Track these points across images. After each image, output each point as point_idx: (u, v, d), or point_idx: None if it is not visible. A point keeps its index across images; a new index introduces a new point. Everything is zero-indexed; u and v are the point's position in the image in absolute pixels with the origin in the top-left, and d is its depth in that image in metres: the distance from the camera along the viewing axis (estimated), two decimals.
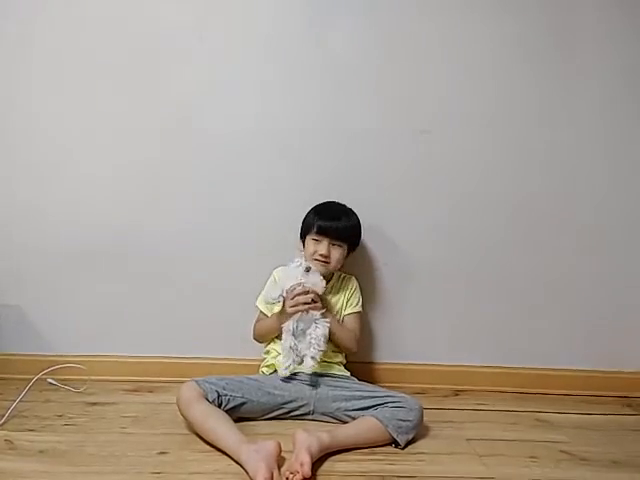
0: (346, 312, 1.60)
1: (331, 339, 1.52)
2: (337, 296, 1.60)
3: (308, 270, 1.47)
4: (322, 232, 1.52)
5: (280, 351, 1.50)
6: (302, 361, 1.44)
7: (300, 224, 1.58)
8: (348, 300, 1.61)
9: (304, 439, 1.24)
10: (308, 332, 1.44)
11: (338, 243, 1.53)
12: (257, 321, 1.61)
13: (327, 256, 1.52)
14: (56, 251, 1.68)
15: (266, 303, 1.55)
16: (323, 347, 1.44)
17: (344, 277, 1.65)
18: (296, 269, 1.48)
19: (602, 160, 1.70)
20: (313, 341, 1.43)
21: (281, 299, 1.48)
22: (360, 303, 1.62)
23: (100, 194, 1.67)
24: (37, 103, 1.64)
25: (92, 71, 1.63)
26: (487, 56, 1.65)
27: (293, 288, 1.46)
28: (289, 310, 1.45)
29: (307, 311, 1.45)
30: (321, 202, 1.59)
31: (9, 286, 1.68)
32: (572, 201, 1.71)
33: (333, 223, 1.52)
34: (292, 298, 1.45)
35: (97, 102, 1.64)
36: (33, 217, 1.67)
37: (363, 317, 1.65)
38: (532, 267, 1.73)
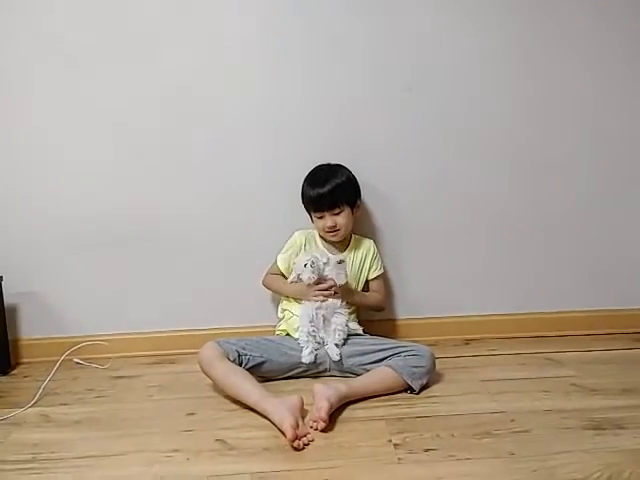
0: (371, 277, 1.67)
1: (361, 308, 1.66)
2: (358, 261, 1.66)
3: (340, 262, 1.53)
4: (319, 208, 1.57)
5: (295, 313, 1.57)
6: (321, 346, 1.49)
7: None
8: (371, 266, 1.67)
9: (323, 390, 1.30)
10: (333, 320, 1.51)
11: (338, 210, 1.57)
12: (271, 272, 1.67)
13: (334, 226, 1.57)
14: (71, 236, 1.72)
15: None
16: (346, 334, 1.50)
17: (362, 241, 1.69)
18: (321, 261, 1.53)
19: (593, 89, 1.71)
20: (339, 327, 1.49)
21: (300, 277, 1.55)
22: (382, 264, 1.70)
23: (112, 175, 1.70)
24: (32, 90, 1.67)
25: (88, 49, 1.65)
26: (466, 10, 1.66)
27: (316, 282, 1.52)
28: (311, 297, 1.52)
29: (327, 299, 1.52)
30: (310, 170, 1.61)
31: (28, 273, 1.73)
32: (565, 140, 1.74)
33: (324, 193, 1.55)
34: (323, 288, 1.52)
35: (94, 86, 1.66)
36: (46, 204, 1.71)
37: None
38: (532, 210, 1.76)
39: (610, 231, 1.78)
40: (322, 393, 1.28)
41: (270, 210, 1.72)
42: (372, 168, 1.70)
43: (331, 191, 1.55)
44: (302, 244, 1.64)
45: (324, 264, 1.53)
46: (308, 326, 1.50)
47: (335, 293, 1.53)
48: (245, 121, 1.69)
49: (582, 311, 1.80)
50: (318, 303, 1.52)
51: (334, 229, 1.58)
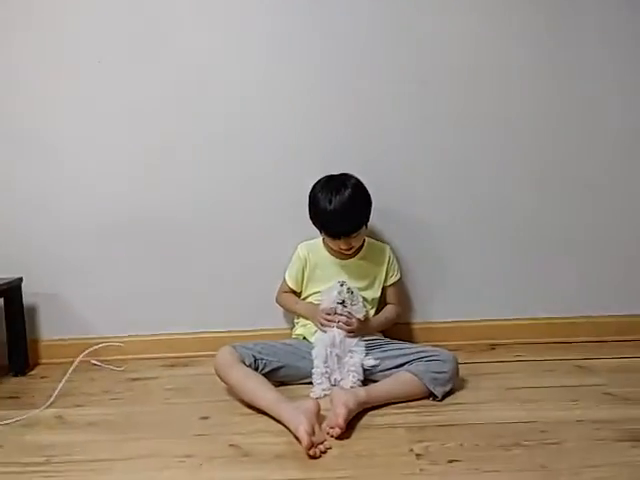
0: (387, 284, 1.62)
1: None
2: (373, 267, 1.59)
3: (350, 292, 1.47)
4: (335, 237, 1.49)
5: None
6: (335, 385, 1.40)
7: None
8: (387, 273, 1.61)
9: (341, 395, 1.25)
10: (345, 361, 1.42)
11: (354, 235, 1.49)
12: (283, 291, 1.65)
13: (349, 248, 1.52)
14: (89, 238, 1.72)
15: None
16: (361, 375, 1.40)
17: (376, 247, 1.62)
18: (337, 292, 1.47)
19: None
20: (352, 368, 1.40)
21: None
22: (398, 271, 1.64)
23: (124, 176, 1.70)
24: (44, 86, 1.68)
25: (94, 47, 1.65)
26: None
27: (331, 311, 1.47)
28: (319, 326, 1.48)
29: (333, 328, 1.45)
30: (316, 189, 1.50)
31: (45, 275, 1.73)
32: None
33: (343, 228, 1.47)
34: (330, 320, 1.46)
35: (101, 82, 1.67)
36: (65, 208, 1.72)
37: None
38: (557, 214, 1.69)
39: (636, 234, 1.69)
40: (340, 398, 1.24)
41: (288, 214, 1.68)
42: (386, 168, 1.66)
43: (355, 221, 1.48)
44: (306, 257, 1.59)
45: (346, 297, 1.46)
46: (322, 367, 1.41)
47: (347, 325, 1.44)
48: (258, 121, 1.68)
49: (613, 316, 1.72)
50: (331, 340, 1.43)
51: (349, 250, 1.53)
